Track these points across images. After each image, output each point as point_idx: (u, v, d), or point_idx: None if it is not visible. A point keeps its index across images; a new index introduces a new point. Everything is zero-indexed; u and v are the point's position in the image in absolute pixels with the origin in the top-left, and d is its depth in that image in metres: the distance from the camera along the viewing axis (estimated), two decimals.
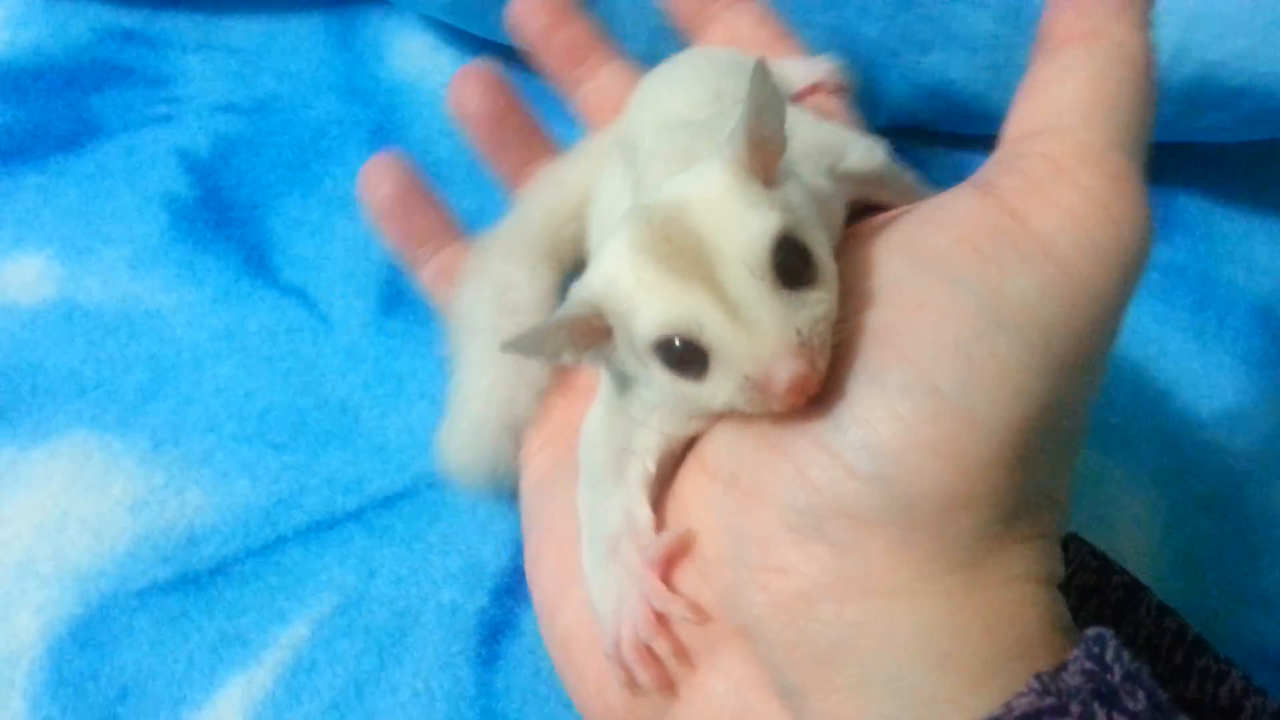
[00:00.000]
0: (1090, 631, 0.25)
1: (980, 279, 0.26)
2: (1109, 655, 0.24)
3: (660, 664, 0.27)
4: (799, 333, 0.24)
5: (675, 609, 0.26)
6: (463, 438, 0.36)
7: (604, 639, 0.27)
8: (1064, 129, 0.27)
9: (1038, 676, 0.24)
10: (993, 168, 0.28)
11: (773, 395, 0.24)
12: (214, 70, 0.50)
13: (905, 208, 0.30)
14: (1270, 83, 0.44)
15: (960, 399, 0.24)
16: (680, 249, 0.25)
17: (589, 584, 0.28)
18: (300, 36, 0.52)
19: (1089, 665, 0.24)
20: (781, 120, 0.26)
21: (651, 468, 0.28)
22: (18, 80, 0.49)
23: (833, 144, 0.32)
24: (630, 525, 0.28)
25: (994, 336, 0.25)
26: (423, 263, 0.40)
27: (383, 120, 0.50)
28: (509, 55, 0.51)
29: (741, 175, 0.25)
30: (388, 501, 0.40)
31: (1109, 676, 0.24)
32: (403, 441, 0.41)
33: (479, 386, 0.35)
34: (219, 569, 0.38)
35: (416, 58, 0.52)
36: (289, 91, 0.50)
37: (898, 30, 0.46)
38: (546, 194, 0.38)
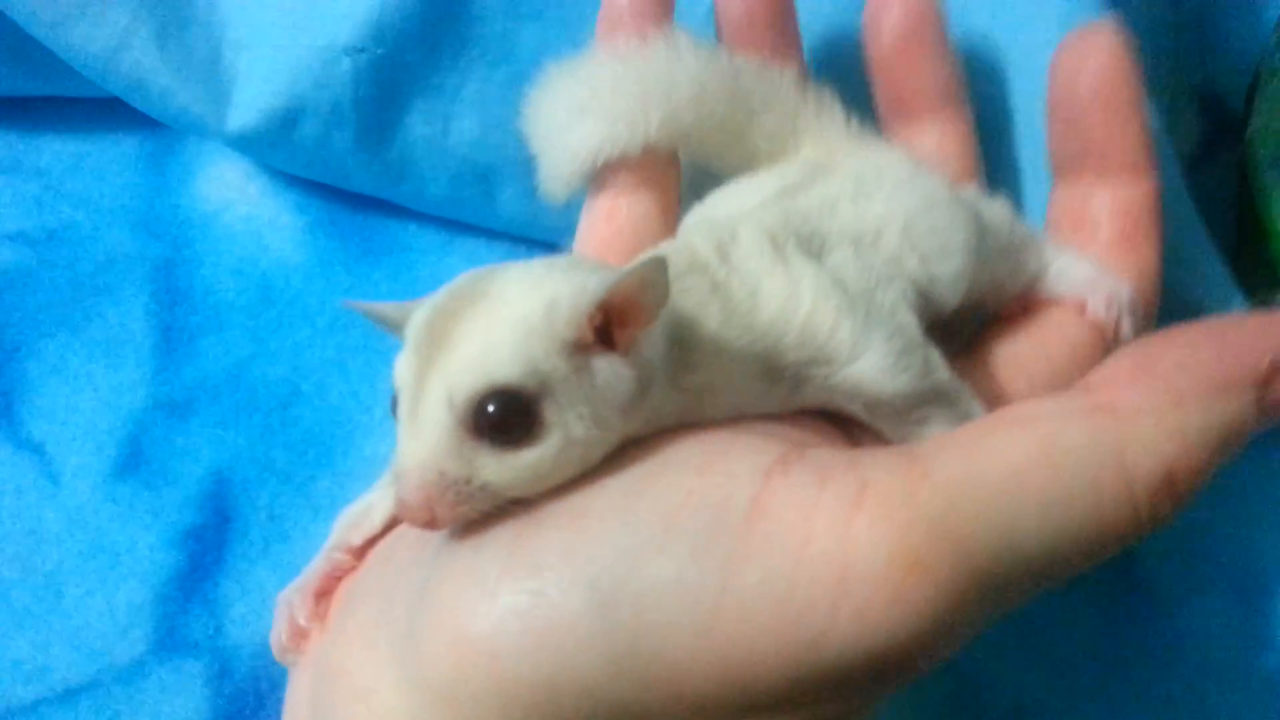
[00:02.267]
0: None
1: (638, 537, 0.23)
2: None
3: (286, 625, 0.30)
4: (442, 475, 0.24)
5: (298, 601, 0.30)
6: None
7: None
8: (918, 471, 0.24)
9: None
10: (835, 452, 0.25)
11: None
12: (14, 195, 0.49)
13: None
14: None
15: (490, 632, 0.24)
16: (434, 329, 0.25)
17: None
18: (110, 159, 0.50)
19: None
20: (655, 310, 0.25)
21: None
22: None
23: (839, 343, 0.28)
24: (358, 514, 0.31)
25: (576, 596, 0.23)
26: None
27: (172, 255, 0.48)
28: (325, 192, 0.49)
29: (548, 321, 0.25)
30: (67, 695, 0.38)
31: None
32: (101, 625, 0.39)
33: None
34: None
35: (225, 187, 0.50)
36: (83, 220, 0.48)
37: None
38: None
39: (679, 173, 0.37)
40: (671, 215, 0.36)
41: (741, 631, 0.22)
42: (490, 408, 0.24)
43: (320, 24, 0.44)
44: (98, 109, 0.51)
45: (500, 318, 0.25)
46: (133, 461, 0.42)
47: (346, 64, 0.44)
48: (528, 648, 0.23)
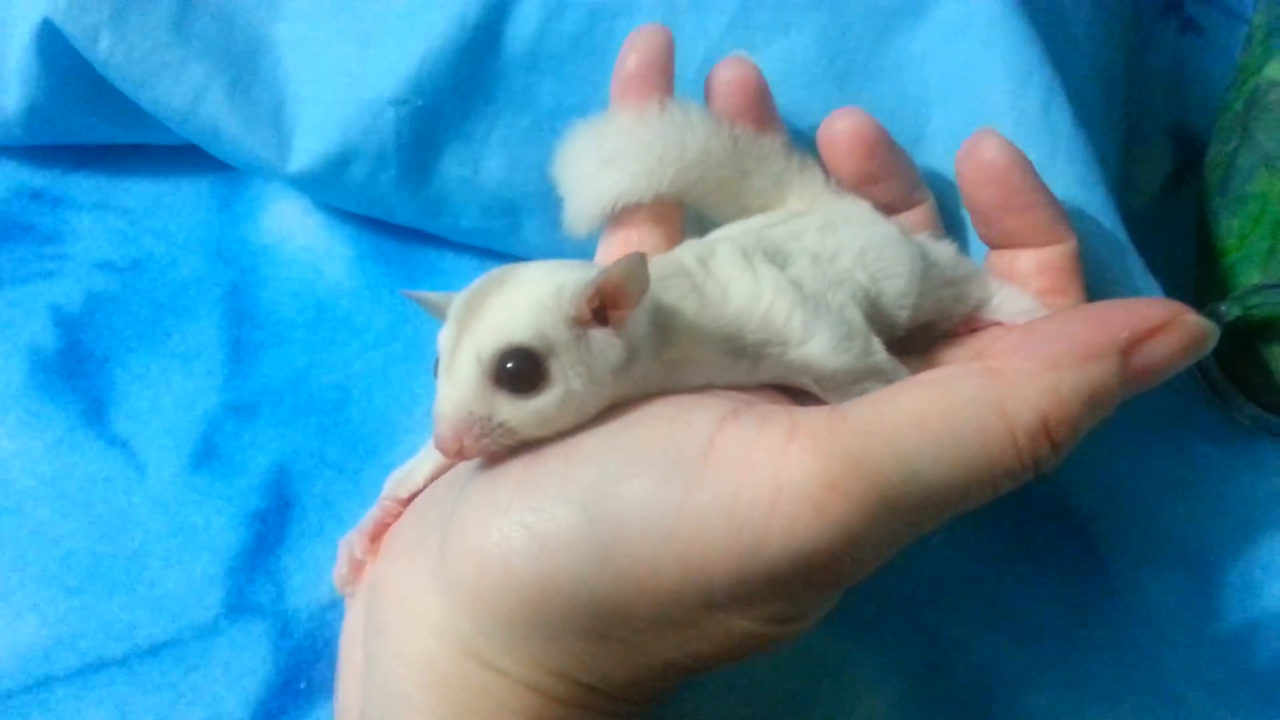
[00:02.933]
0: None
1: (618, 466, 0.30)
2: None
3: (346, 560, 0.37)
4: (470, 414, 0.31)
5: (356, 539, 0.37)
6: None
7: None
8: (839, 417, 0.30)
9: None
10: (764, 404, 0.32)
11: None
12: (102, 229, 0.56)
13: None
14: None
15: (501, 541, 0.30)
16: (470, 305, 0.32)
17: None
18: (186, 198, 0.57)
19: None
20: (638, 295, 0.31)
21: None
22: None
23: (791, 328, 0.34)
24: (405, 473, 0.38)
25: (568, 511, 0.29)
26: None
27: (240, 280, 0.54)
28: (373, 226, 0.56)
29: (556, 300, 0.31)
30: (153, 650, 0.44)
31: None
32: (180, 593, 0.45)
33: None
34: None
35: (286, 220, 0.57)
36: (163, 251, 0.55)
37: None
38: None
39: (683, 212, 0.44)
40: (675, 245, 0.42)
41: (696, 538, 0.28)
42: (509, 363, 0.31)
43: (369, 80, 0.50)
44: (175, 155, 0.58)
45: (520, 296, 0.32)
46: (207, 455, 0.49)
47: (391, 114, 0.50)
48: (532, 553, 0.29)
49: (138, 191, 0.58)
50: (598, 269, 0.32)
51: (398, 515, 0.38)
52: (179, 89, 0.51)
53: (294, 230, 0.57)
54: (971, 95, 0.45)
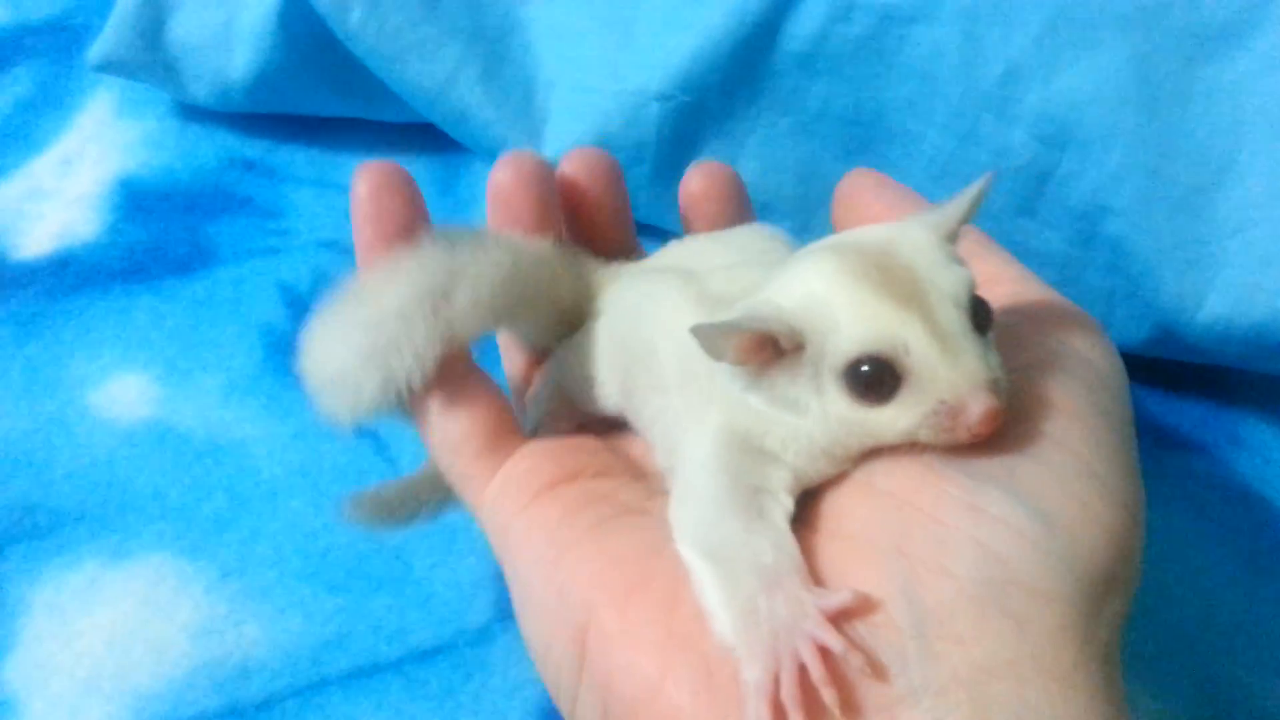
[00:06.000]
0: None
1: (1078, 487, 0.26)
2: None
3: (821, 714, 0.24)
4: (990, 368, 0.26)
5: (855, 658, 0.24)
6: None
7: (750, 675, 0.25)
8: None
9: None
10: None
11: (963, 424, 0.25)
12: (324, 206, 0.54)
13: None
14: None
15: (1114, 486, 0.27)
16: (894, 278, 0.26)
17: (720, 618, 0.26)
18: None
19: None
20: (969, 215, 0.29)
21: (791, 506, 0.28)
22: (144, 201, 0.54)
23: None
24: (792, 562, 0.26)
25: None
26: None
27: None
28: None
29: (939, 238, 0.28)
30: (426, 654, 0.42)
31: None
32: (448, 594, 0.44)
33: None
34: (265, 705, 0.41)
35: None
36: None
37: None
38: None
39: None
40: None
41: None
42: (975, 304, 0.27)
43: (633, 72, 0.49)
44: (386, 132, 0.56)
45: (925, 248, 0.28)
46: None
47: (655, 108, 0.49)
48: (1089, 540, 0.26)
49: (353, 169, 0.56)
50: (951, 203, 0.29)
51: None
52: (432, 69, 0.50)
53: None
54: None
